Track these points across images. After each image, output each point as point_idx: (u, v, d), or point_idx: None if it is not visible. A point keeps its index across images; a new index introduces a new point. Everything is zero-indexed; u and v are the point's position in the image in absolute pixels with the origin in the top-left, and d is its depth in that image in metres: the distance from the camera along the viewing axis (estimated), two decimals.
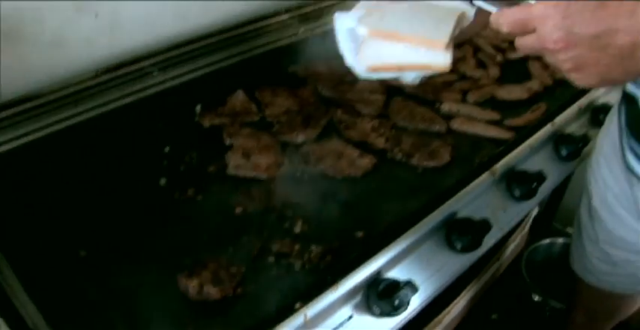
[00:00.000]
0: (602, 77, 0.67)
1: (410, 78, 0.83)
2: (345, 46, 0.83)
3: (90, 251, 0.85)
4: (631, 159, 1.01)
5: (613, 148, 1.08)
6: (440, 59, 0.77)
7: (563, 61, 0.67)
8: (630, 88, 0.94)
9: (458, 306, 1.36)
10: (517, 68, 1.39)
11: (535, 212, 1.65)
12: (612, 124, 1.10)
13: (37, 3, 1.00)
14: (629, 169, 1.02)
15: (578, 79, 0.68)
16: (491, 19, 0.71)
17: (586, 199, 1.22)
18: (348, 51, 0.83)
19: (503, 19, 0.69)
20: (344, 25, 0.82)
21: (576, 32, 0.64)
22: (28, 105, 1.01)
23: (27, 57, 1.03)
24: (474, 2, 0.76)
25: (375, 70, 0.80)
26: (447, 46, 0.77)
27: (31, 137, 0.97)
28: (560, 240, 1.80)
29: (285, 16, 1.32)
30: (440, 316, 1.29)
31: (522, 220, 1.60)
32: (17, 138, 0.96)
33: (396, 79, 0.84)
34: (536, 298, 1.63)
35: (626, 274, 1.20)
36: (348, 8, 0.82)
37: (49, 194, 0.91)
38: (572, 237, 1.35)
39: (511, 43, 1.46)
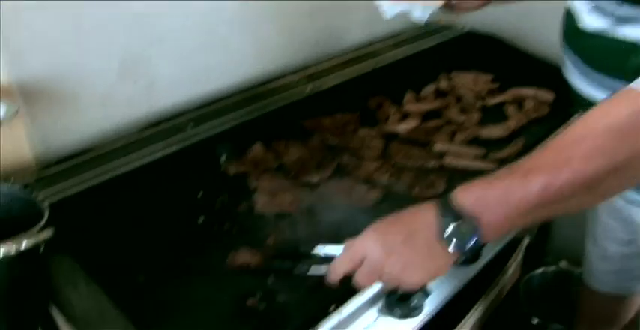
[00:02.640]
0: (425, 270, 0.79)
1: (418, 14, 1.10)
2: None
3: (147, 276, 1.00)
4: None
5: None
6: None
7: (392, 267, 0.78)
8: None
9: None
10: (495, 112, 1.58)
11: (527, 241, 1.80)
12: None
13: (88, 71, 1.19)
14: None
15: (409, 278, 0.79)
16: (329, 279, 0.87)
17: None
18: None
19: (338, 271, 0.85)
20: None
21: (389, 244, 0.79)
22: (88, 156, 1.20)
23: (80, 116, 1.22)
24: None
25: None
26: None
27: (88, 184, 1.14)
28: (552, 268, 1.94)
29: (294, 77, 1.52)
30: None
31: (515, 249, 1.74)
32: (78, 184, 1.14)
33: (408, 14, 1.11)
34: (535, 321, 1.76)
35: (624, 269, 1.35)
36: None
37: (109, 232, 1.07)
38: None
39: (489, 91, 1.68)
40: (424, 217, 0.78)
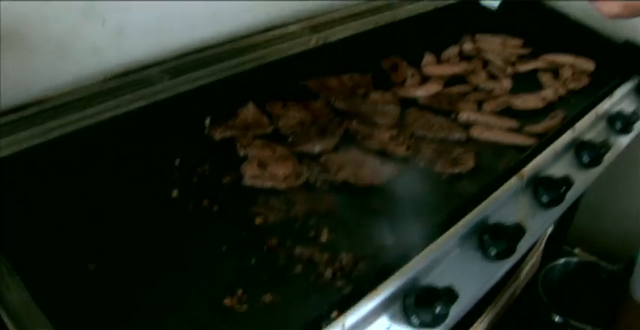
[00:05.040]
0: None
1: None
2: None
3: (99, 265, 0.79)
4: None
5: None
6: None
7: None
8: None
9: None
10: (528, 80, 1.38)
11: (550, 230, 1.60)
12: None
13: (42, 8, 0.96)
14: None
15: (605, 8, 0.79)
16: None
17: None
18: None
19: None
20: None
21: None
22: (32, 110, 0.96)
23: (29, 63, 0.98)
24: None
25: None
26: None
27: (34, 141, 0.91)
28: (575, 259, 1.75)
29: (295, 27, 1.28)
30: None
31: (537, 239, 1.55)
32: (19, 142, 0.90)
33: None
34: (557, 318, 1.57)
35: None
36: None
37: (53, 202, 0.85)
38: None
39: (520, 57, 1.46)
40: None
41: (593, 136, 1.22)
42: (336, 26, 1.31)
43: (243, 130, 1.07)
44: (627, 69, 1.44)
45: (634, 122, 1.32)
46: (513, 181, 0.98)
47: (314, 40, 1.25)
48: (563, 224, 1.77)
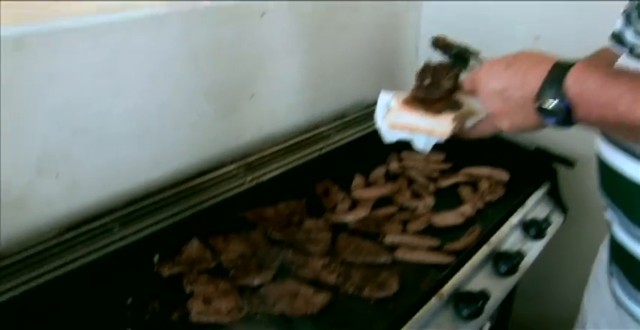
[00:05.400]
0: (511, 123, 0.84)
1: (421, 145, 1.01)
2: (379, 113, 1.00)
3: None
4: (616, 287, 1.03)
5: (602, 273, 1.12)
6: (443, 127, 0.94)
7: (486, 109, 0.86)
8: (607, 215, 1.01)
9: None
10: (450, 194, 1.51)
11: (487, 328, 1.70)
12: (604, 249, 1.14)
13: (2, 168, 1.07)
14: (615, 297, 1.04)
15: (497, 124, 0.86)
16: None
17: (580, 323, 1.24)
18: (380, 117, 1.01)
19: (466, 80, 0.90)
20: (383, 99, 1.00)
21: (490, 88, 0.83)
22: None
23: None
24: None
25: (393, 126, 0.99)
26: (453, 120, 0.94)
27: None
28: None
29: (231, 167, 1.42)
30: None
31: None
32: None
33: (410, 141, 1.02)
34: None
35: None
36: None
37: None
38: None
39: (441, 172, 1.60)
40: (534, 77, 0.78)
41: (509, 246, 1.36)
42: (271, 164, 1.45)
43: (189, 266, 1.17)
44: (539, 176, 1.60)
45: (546, 228, 1.46)
46: (433, 301, 1.09)
47: (249, 179, 1.38)
48: (501, 319, 1.87)
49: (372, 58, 1.89)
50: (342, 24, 1.71)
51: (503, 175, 1.59)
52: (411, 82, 1.00)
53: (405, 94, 1.00)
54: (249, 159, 1.46)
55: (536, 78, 0.77)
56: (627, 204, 0.92)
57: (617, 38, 1.05)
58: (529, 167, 1.62)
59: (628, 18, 0.99)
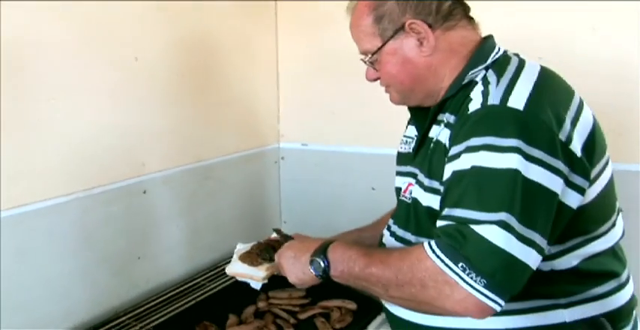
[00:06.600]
0: (295, 277, 1.29)
1: (253, 285, 1.43)
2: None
3: None
4: None
5: None
6: (260, 275, 1.40)
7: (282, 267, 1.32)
8: None
9: None
10: (308, 325, 1.85)
11: None
12: None
13: None
14: None
15: (288, 277, 1.31)
16: None
17: None
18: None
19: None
20: (236, 250, 1.48)
21: (286, 255, 1.31)
22: None
23: None
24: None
25: (231, 275, 1.46)
26: (265, 270, 1.40)
27: None
28: None
29: (124, 318, 1.73)
30: None
31: None
32: None
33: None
34: None
35: None
36: None
37: None
38: None
39: (301, 306, 1.96)
40: (309, 251, 1.24)
41: None
42: (157, 313, 1.77)
43: None
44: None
45: None
46: None
47: (138, 327, 1.69)
48: None
49: (241, 213, 2.32)
50: (212, 190, 2.14)
51: (351, 305, 1.95)
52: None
53: (245, 249, 1.45)
54: (138, 310, 1.78)
55: (312, 247, 1.25)
56: None
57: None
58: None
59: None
